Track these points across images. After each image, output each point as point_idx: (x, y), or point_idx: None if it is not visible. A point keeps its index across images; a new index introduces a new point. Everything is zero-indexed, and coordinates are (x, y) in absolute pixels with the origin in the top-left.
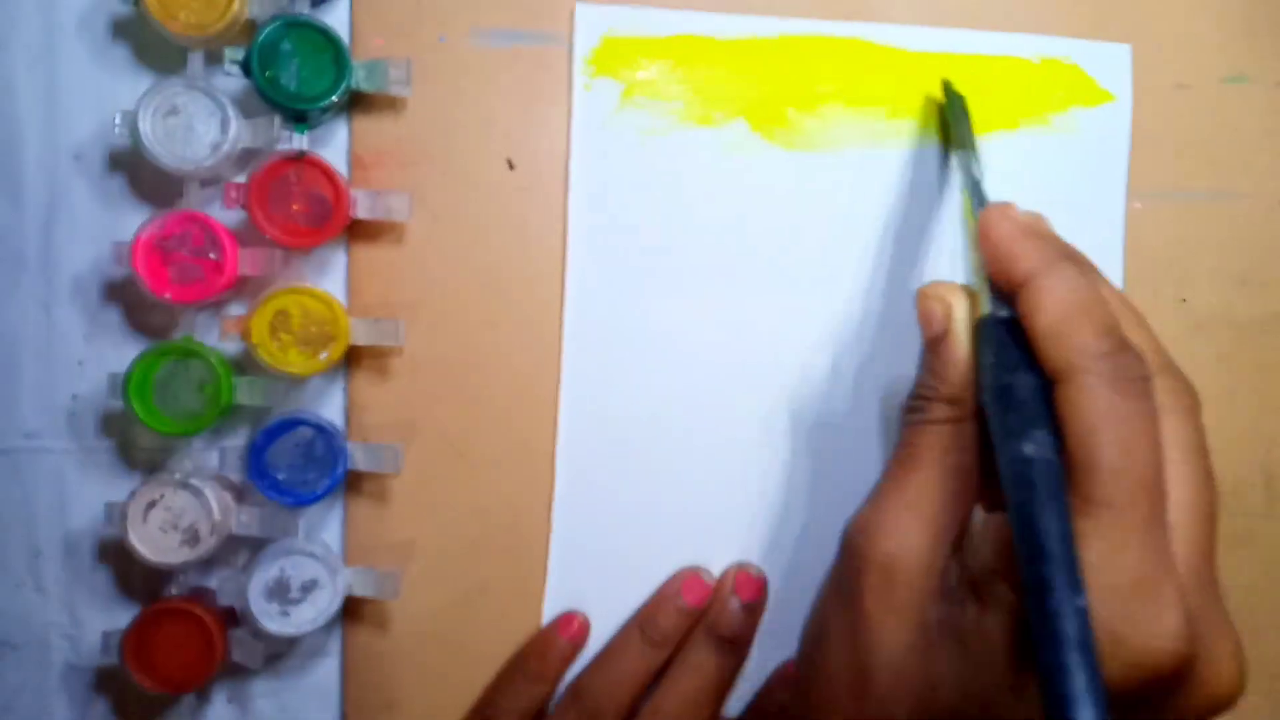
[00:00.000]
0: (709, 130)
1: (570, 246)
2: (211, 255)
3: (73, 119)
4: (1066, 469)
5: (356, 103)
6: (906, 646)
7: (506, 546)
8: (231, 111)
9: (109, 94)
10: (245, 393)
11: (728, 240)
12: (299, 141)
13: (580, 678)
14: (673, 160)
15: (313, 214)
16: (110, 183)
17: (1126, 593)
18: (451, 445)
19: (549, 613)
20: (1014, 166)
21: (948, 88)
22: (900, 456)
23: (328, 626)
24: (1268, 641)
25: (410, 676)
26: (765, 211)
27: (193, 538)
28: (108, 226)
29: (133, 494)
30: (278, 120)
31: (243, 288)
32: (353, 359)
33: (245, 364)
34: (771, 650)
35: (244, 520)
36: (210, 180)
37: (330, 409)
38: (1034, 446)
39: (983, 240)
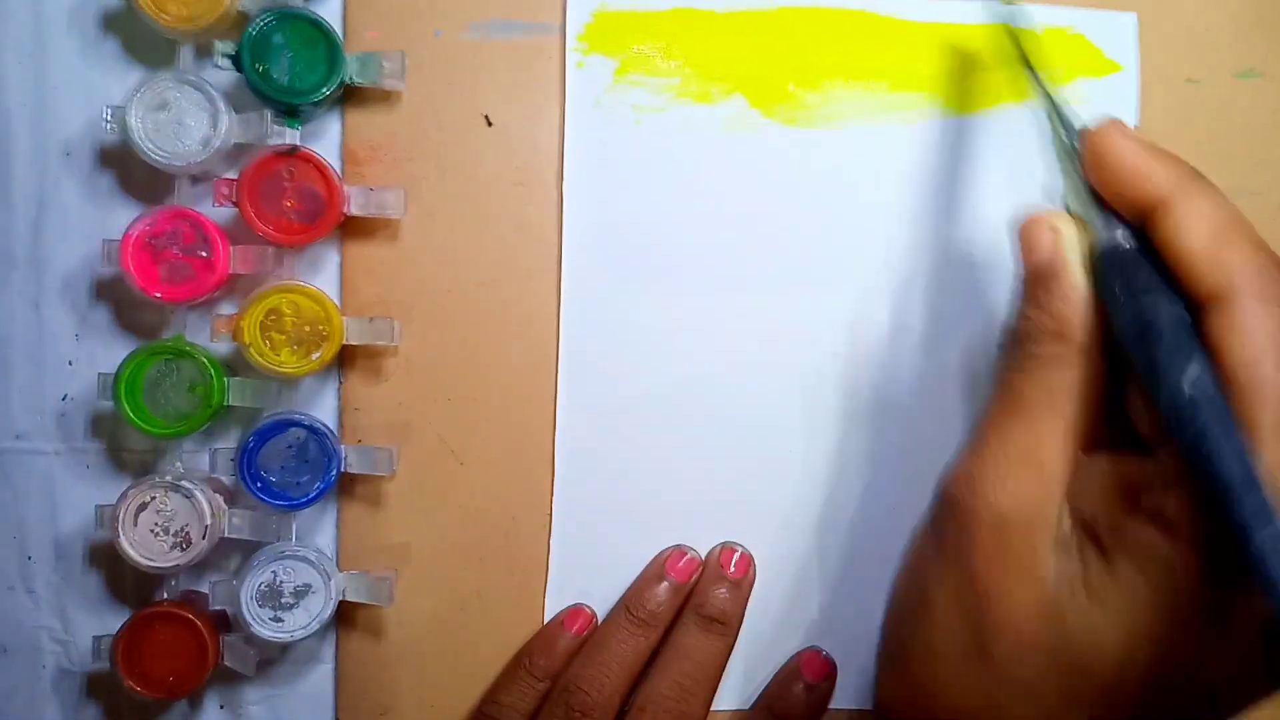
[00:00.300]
0: (706, 107)
1: (566, 230)
2: (202, 253)
3: (62, 114)
4: (1227, 397)
5: (349, 97)
6: (1027, 605)
7: (503, 550)
8: (222, 106)
9: (98, 89)
10: (237, 393)
11: (726, 222)
12: (291, 136)
13: (568, 670)
14: (669, 139)
15: (305, 210)
16: (100, 179)
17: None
18: (447, 447)
19: (550, 611)
20: (1021, 140)
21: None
22: (1004, 401)
23: (321, 632)
24: None
25: (405, 683)
26: (765, 191)
27: (184, 541)
28: (97, 224)
29: (123, 496)
30: (269, 115)
31: (234, 286)
32: (346, 359)
33: (237, 364)
34: (774, 640)
35: (236, 523)
36: (201, 176)
37: (323, 410)
38: (1192, 382)
39: (1098, 162)
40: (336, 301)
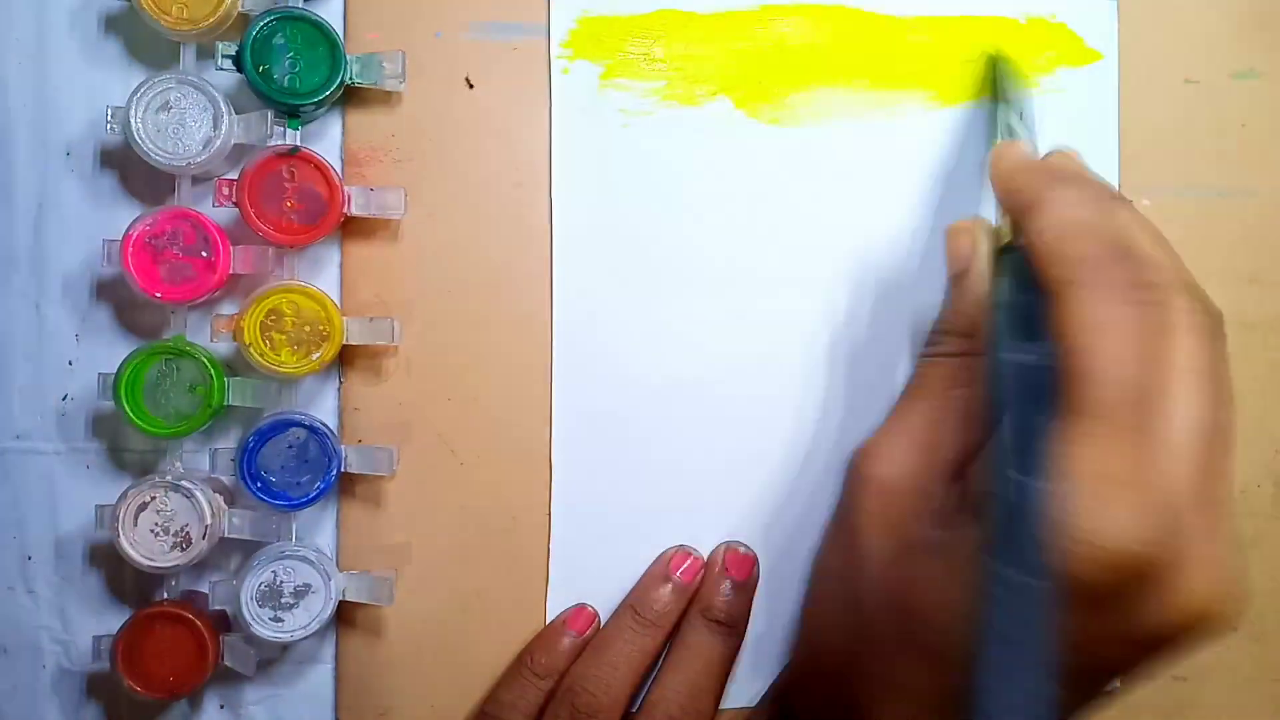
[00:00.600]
0: (692, 109)
1: (556, 233)
2: (203, 253)
3: (63, 115)
4: (1062, 381)
5: (350, 97)
6: (890, 560)
7: (503, 550)
8: (224, 107)
9: (100, 89)
10: (237, 393)
11: (714, 224)
12: (292, 137)
13: (573, 670)
14: (656, 142)
15: (306, 211)
16: (101, 180)
17: (1098, 488)
18: (447, 446)
19: (552, 612)
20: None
21: (991, 56)
22: (909, 388)
23: (321, 632)
24: (1276, 645)
25: (405, 683)
26: (752, 192)
27: (184, 541)
28: (98, 224)
29: (123, 496)
30: (270, 115)
31: (235, 286)
32: (346, 359)
33: (237, 364)
34: (780, 639)
35: (236, 523)
36: (202, 177)
37: (324, 410)
38: (1021, 355)
39: (991, 175)
40: (336, 301)
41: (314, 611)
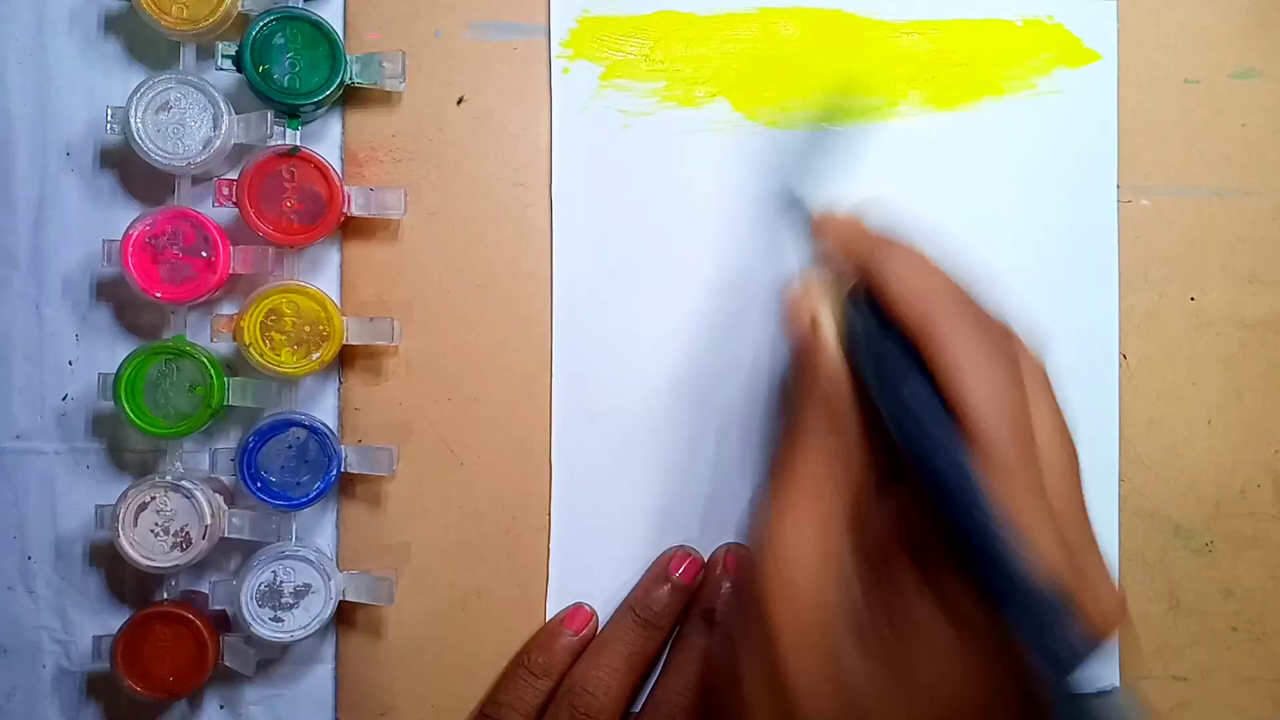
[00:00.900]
0: (691, 110)
1: (556, 233)
2: (203, 253)
3: (63, 115)
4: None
5: (350, 97)
6: (812, 650)
7: (503, 550)
8: (223, 107)
9: (100, 89)
10: (237, 393)
11: (713, 224)
12: (291, 137)
13: (572, 671)
14: (655, 142)
15: (306, 211)
16: (101, 180)
17: (1019, 527)
18: (447, 446)
19: (551, 611)
20: (1003, 132)
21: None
22: (785, 470)
23: (321, 632)
24: (1276, 645)
25: (406, 683)
26: (750, 193)
27: (184, 541)
28: (98, 224)
29: (123, 497)
30: (270, 115)
31: (234, 286)
32: (346, 359)
33: (237, 364)
34: None
35: (236, 523)
36: (202, 177)
37: (323, 410)
38: (911, 390)
39: (826, 235)
40: (336, 301)
41: (314, 611)
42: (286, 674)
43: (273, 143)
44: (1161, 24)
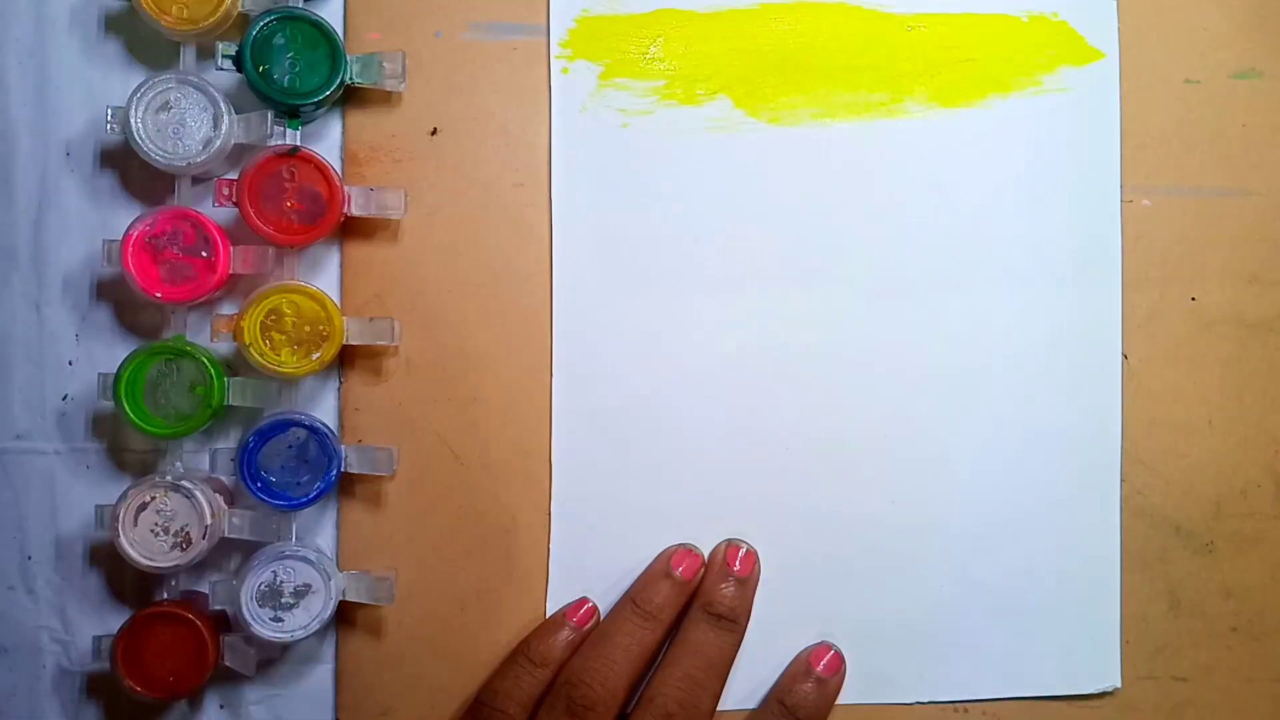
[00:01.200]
0: (692, 109)
1: (556, 233)
2: (203, 253)
3: (63, 115)
4: None
5: (350, 97)
6: None
7: (503, 550)
8: (224, 107)
9: (100, 89)
10: (237, 393)
11: (714, 223)
12: (291, 137)
13: (571, 663)
14: (656, 141)
15: (306, 211)
16: (101, 179)
17: None
18: (447, 446)
19: (551, 611)
20: (1010, 131)
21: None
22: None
23: (321, 632)
24: (1276, 645)
25: (405, 683)
26: (753, 193)
27: (184, 541)
28: (98, 224)
29: (123, 496)
30: (270, 115)
31: (235, 286)
32: (346, 359)
33: (237, 364)
34: (779, 636)
35: (236, 523)
36: (202, 177)
37: (323, 410)
38: None
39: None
40: (336, 301)
41: (314, 611)
42: (286, 674)
43: (273, 143)
44: (1162, 24)
